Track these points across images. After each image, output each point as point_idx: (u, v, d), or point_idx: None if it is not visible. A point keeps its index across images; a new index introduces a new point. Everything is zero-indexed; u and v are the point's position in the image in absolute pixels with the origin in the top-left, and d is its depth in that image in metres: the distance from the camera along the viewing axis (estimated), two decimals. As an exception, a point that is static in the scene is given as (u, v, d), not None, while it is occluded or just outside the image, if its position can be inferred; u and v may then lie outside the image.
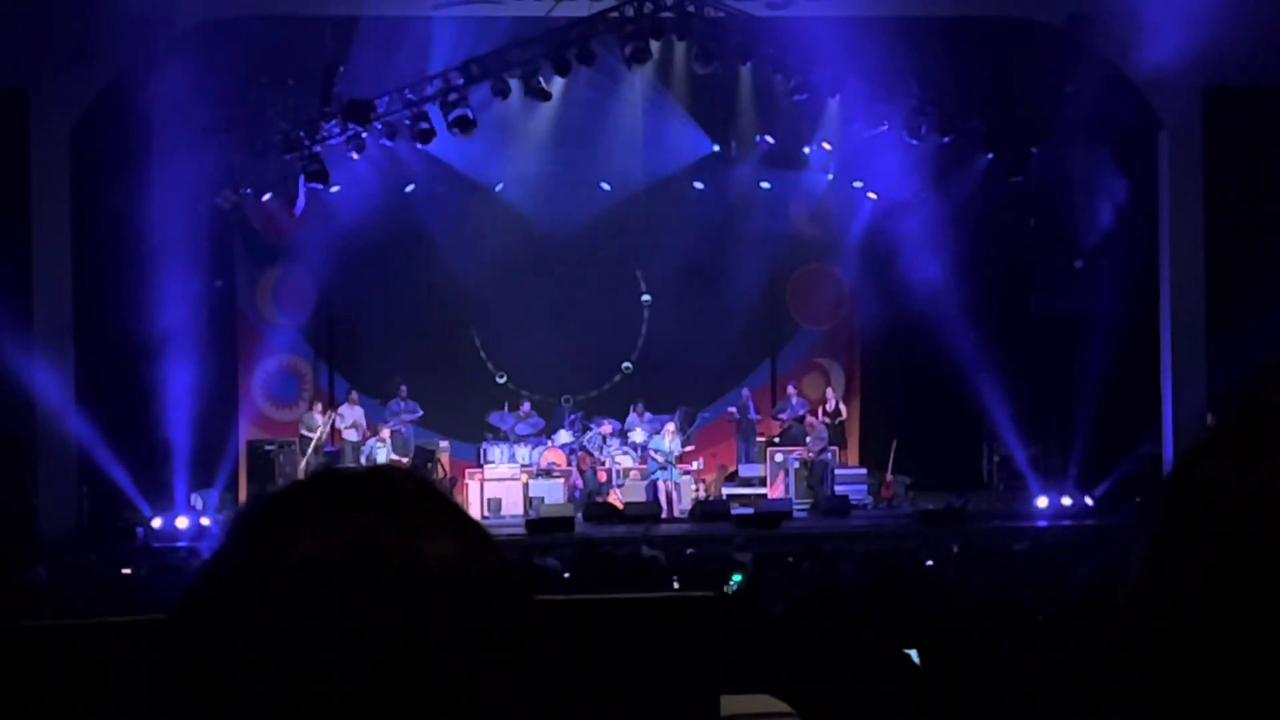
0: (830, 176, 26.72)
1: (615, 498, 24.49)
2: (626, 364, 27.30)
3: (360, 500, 1.37)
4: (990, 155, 24.86)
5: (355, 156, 24.44)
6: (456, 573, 1.34)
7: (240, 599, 1.33)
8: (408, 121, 24.18)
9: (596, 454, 25.22)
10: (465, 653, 1.32)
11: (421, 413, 25.61)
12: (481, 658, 1.33)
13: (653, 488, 24.35)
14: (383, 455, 24.24)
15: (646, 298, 27.39)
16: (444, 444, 25.80)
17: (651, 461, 24.55)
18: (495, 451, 25.31)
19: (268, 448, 25.06)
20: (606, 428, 25.58)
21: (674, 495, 24.31)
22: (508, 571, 1.40)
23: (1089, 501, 24.00)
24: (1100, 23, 23.76)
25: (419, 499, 1.39)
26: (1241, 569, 1.33)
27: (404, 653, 1.30)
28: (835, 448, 25.61)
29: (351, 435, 25.11)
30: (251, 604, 1.32)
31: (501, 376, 26.95)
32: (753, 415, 26.17)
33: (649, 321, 27.42)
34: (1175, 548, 1.38)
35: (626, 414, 25.84)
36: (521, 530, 22.13)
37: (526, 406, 26.02)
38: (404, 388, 25.54)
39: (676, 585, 13.75)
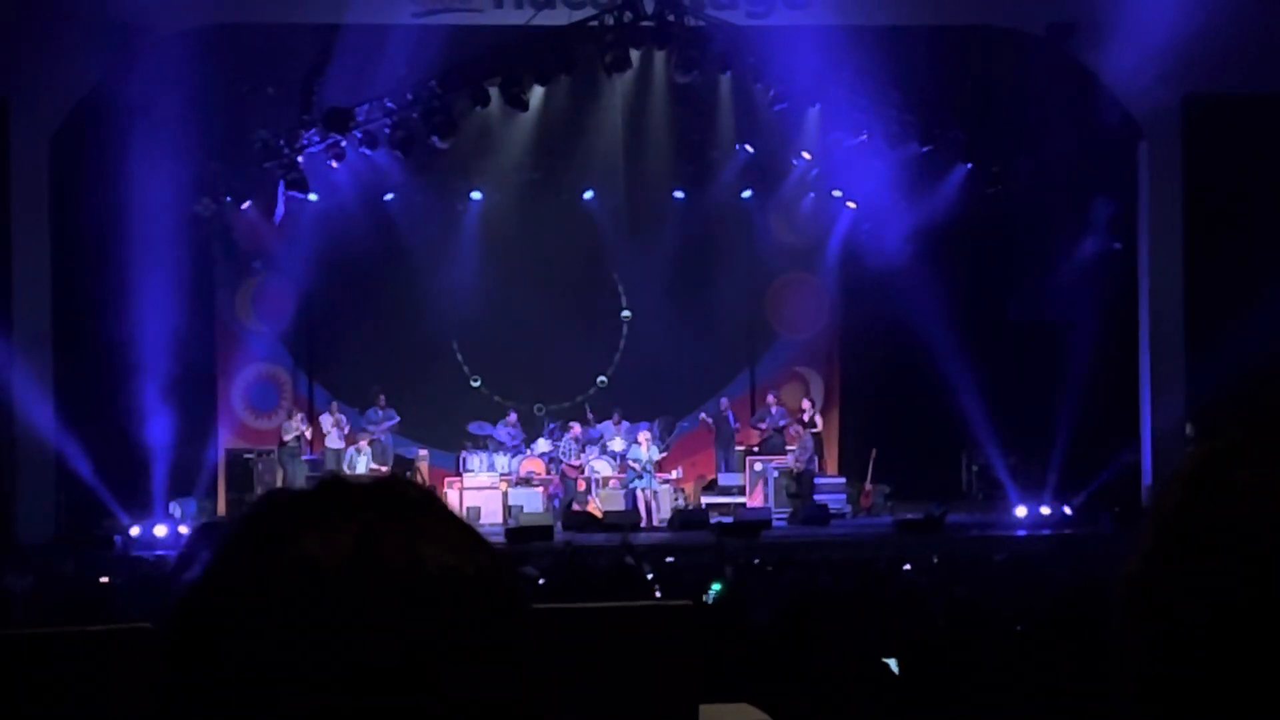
0: (810, 187, 26.72)
1: (594, 506, 24.49)
2: (601, 378, 27.27)
3: (364, 504, 1.38)
4: (970, 164, 24.90)
5: (335, 165, 24.44)
6: (456, 576, 1.36)
7: (240, 596, 1.34)
8: (388, 130, 24.16)
9: (571, 460, 25.22)
10: (462, 656, 1.33)
11: (398, 419, 25.60)
12: (477, 661, 1.34)
13: (631, 496, 24.38)
14: (362, 464, 24.25)
15: (626, 313, 27.38)
16: (423, 453, 25.76)
17: (629, 470, 24.58)
18: (474, 460, 25.32)
19: (247, 456, 25.01)
20: (575, 429, 25.59)
21: (653, 504, 24.34)
22: (506, 578, 1.41)
23: (1067, 511, 23.98)
24: (1080, 32, 23.85)
25: (422, 506, 1.41)
26: (1271, 573, 1.33)
27: (402, 655, 1.31)
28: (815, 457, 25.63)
29: (334, 443, 25.10)
30: (251, 601, 1.33)
31: (476, 380, 26.95)
32: (732, 424, 26.22)
33: (628, 331, 27.41)
34: (1199, 551, 1.38)
35: (602, 423, 25.87)
36: (501, 539, 22.11)
37: (513, 416, 26.04)
38: (382, 396, 25.54)
39: (659, 594, 13.75)
